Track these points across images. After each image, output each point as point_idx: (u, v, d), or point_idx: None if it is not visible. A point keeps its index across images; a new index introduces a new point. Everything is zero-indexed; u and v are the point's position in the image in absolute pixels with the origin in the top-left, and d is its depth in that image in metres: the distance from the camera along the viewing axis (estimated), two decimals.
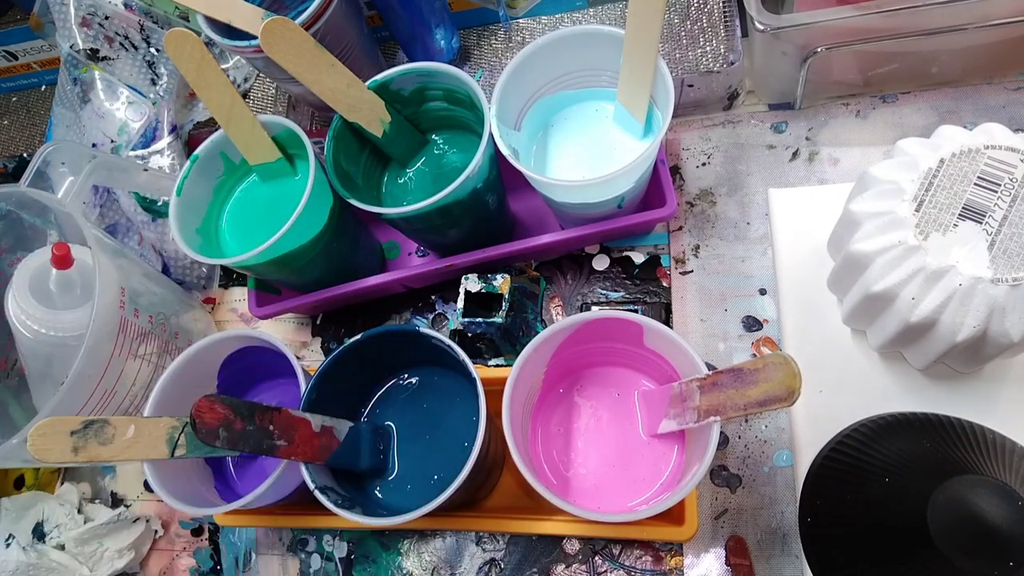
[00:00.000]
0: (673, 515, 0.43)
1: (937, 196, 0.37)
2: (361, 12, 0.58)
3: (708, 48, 0.55)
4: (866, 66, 0.52)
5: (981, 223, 0.36)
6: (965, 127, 0.39)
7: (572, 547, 0.50)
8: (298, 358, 0.47)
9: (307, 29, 0.48)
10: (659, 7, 0.39)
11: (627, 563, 0.48)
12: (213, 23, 0.50)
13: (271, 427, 0.37)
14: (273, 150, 0.50)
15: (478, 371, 0.40)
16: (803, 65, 0.50)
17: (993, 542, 0.30)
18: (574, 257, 0.57)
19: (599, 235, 0.53)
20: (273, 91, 0.66)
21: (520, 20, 0.63)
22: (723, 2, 0.56)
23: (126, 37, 0.63)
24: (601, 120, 0.49)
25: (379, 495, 0.44)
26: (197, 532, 0.58)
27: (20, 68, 0.75)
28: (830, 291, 0.47)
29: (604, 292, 0.55)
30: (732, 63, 0.54)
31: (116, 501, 0.60)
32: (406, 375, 0.48)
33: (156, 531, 0.58)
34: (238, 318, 0.64)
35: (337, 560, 0.54)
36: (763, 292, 0.52)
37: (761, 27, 0.47)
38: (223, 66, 0.66)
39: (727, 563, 0.47)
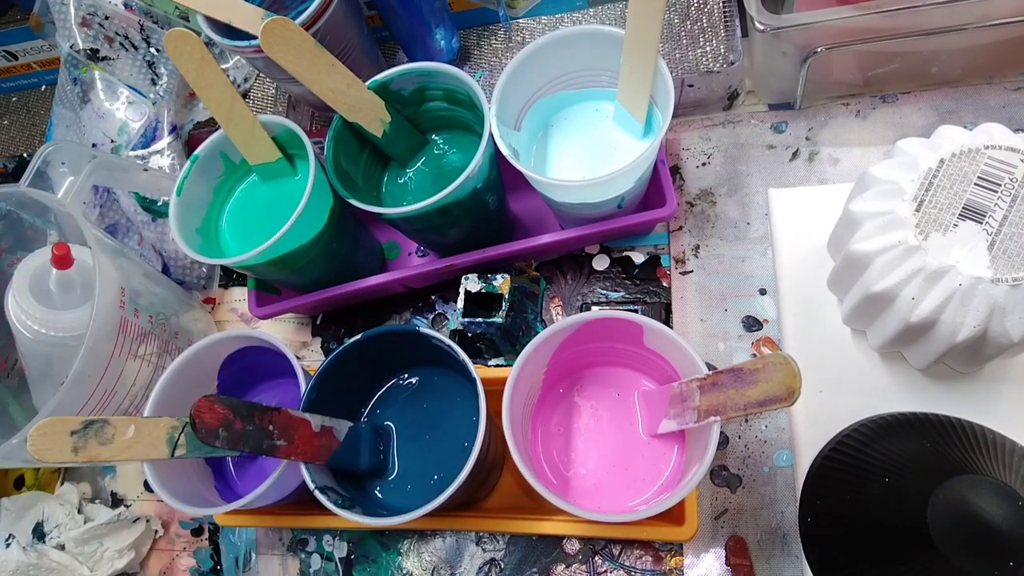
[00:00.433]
0: (673, 515, 0.43)
1: (937, 196, 0.37)
2: (361, 12, 0.58)
3: (708, 48, 0.55)
4: (866, 66, 0.52)
5: (981, 223, 0.36)
6: (965, 127, 0.39)
7: (572, 547, 0.50)
8: (298, 358, 0.47)
9: (307, 29, 0.48)
10: (659, 7, 0.39)
11: (627, 563, 0.48)
12: (213, 23, 0.50)
13: (271, 427, 0.37)
14: (273, 150, 0.50)
15: (478, 371, 0.40)
16: (803, 65, 0.50)
17: (993, 542, 0.30)
18: (574, 257, 0.57)
19: (599, 235, 0.53)
20: (273, 91, 0.66)
21: (520, 20, 0.63)
22: (723, 2, 0.56)
23: (126, 37, 0.63)
24: (601, 120, 0.49)
25: (379, 495, 0.44)
26: (197, 532, 0.58)
27: (20, 68, 0.75)
28: (830, 291, 0.47)
29: (604, 292, 0.55)
30: (732, 63, 0.54)
31: (116, 501, 0.60)
32: (406, 375, 0.48)
33: (156, 531, 0.58)
34: (238, 318, 0.64)
35: (337, 560, 0.54)
36: (763, 292, 0.52)
37: (761, 27, 0.47)
38: (223, 66, 0.66)
39: (727, 563, 0.47)
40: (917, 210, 0.37)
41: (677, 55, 0.56)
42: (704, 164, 0.57)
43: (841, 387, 0.46)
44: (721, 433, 0.40)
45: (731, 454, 0.49)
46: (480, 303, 0.53)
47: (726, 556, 0.47)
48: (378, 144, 0.50)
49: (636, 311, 0.47)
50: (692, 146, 0.57)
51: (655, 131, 0.46)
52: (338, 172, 0.47)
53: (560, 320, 0.43)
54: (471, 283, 0.52)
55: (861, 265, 0.40)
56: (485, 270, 0.52)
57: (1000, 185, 0.37)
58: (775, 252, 0.51)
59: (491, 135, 0.44)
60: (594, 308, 0.55)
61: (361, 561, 0.53)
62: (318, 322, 0.61)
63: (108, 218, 0.62)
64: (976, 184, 0.37)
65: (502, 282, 0.51)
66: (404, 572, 0.52)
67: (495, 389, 0.39)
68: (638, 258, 0.55)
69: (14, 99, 0.78)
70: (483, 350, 0.54)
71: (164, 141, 0.63)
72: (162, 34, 0.64)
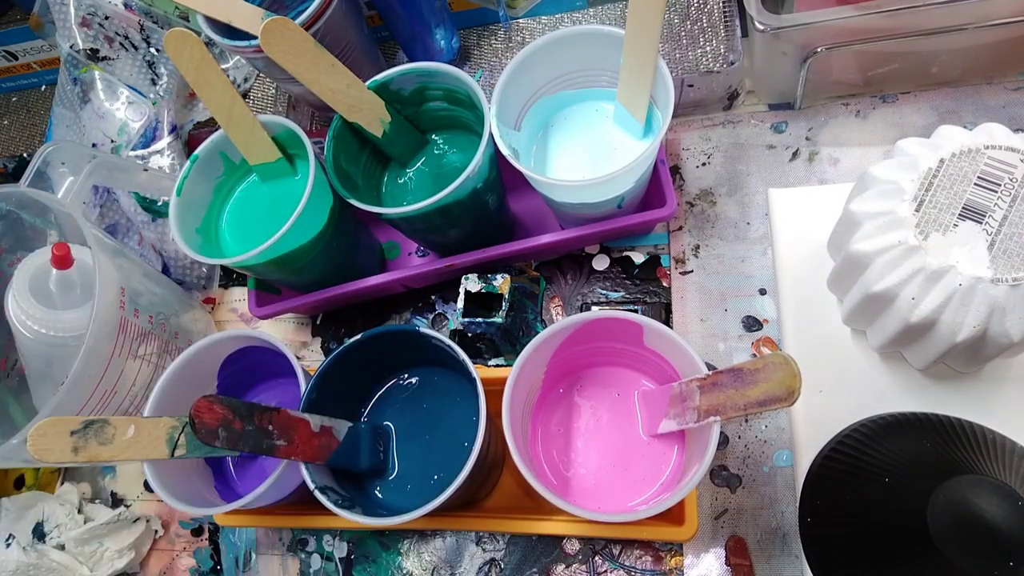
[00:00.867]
0: (673, 515, 0.43)
1: (937, 196, 0.37)
2: (361, 12, 0.58)
3: (708, 48, 0.55)
4: (866, 66, 0.52)
5: (981, 223, 0.36)
6: (965, 127, 0.39)
7: (572, 547, 0.50)
8: (298, 358, 0.47)
9: (307, 29, 0.48)
10: (659, 7, 0.39)
11: (627, 563, 0.48)
12: (213, 23, 0.50)
13: (270, 427, 0.37)
14: (273, 150, 0.50)
15: (478, 371, 0.40)
16: (803, 65, 0.50)
17: (993, 542, 0.30)
18: (574, 257, 0.57)
19: (599, 235, 0.53)
20: (273, 91, 0.66)
21: (520, 20, 0.63)
22: (723, 2, 0.56)
23: (126, 37, 0.63)
24: (601, 120, 0.49)
25: (379, 495, 0.44)
26: (197, 532, 0.58)
27: (20, 68, 0.75)
28: (830, 291, 0.47)
29: (604, 292, 0.55)
30: (732, 63, 0.54)
31: (116, 501, 0.60)
32: (406, 375, 0.48)
33: (156, 531, 0.58)
34: (238, 318, 0.64)
35: (337, 560, 0.54)
36: (763, 292, 0.52)
37: (761, 27, 0.47)
38: (223, 66, 0.66)
39: (727, 563, 0.47)
40: (917, 210, 0.37)
41: (677, 55, 0.56)
42: (704, 164, 0.57)
43: (841, 387, 0.46)
44: (721, 433, 0.40)
45: (731, 454, 0.49)
46: (480, 303, 0.53)
47: (726, 556, 0.47)
48: (378, 144, 0.50)
49: (636, 311, 0.47)
50: (692, 146, 0.57)
51: (655, 131, 0.46)
52: (338, 172, 0.47)
53: (560, 320, 0.43)
54: (471, 283, 0.52)
55: (861, 265, 0.40)
56: (485, 270, 0.52)
57: (1000, 185, 0.37)
58: (775, 252, 0.51)
59: (491, 135, 0.44)
60: (594, 308, 0.55)
61: (361, 561, 0.53)
62: (318, 322, 0.61)
63: (108, 218, 0.62)
64: (976, 184, 0.37)
65: (502, 282, 0.51)
66: (404, 572, 0.52)
67: (495, 389, 0.39)
68: (638, 258, 0.55)
69: (14, 99, 0.78)
70: (483, 350, 0.54)
71: (164, 141, 0.63)
72: (162, 34, 0.64)
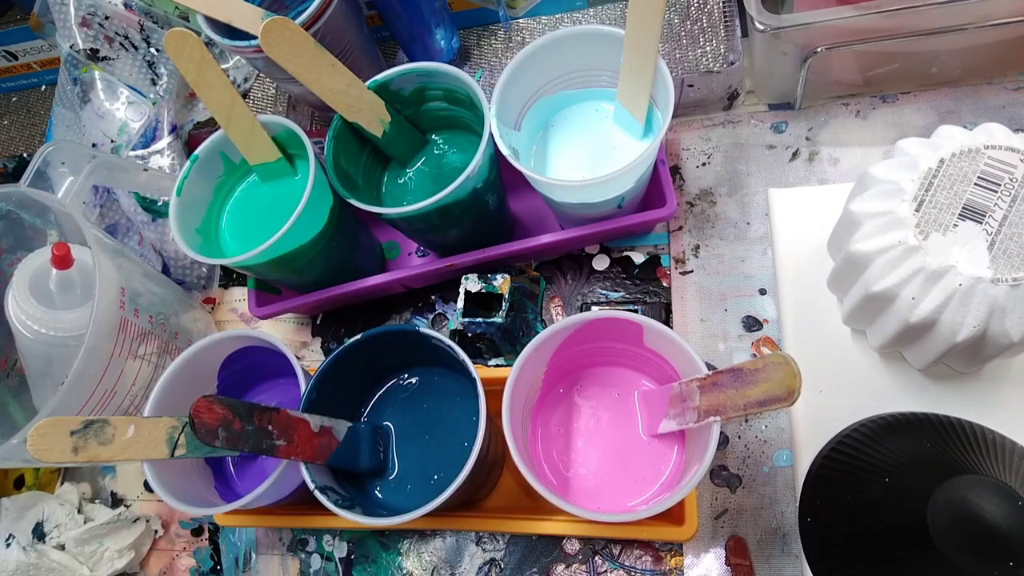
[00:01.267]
0: (673, 515, 0.43)
1: (937, 196, 0.37)
2: (361, 12, 0.58)
3: (708, 48, 0.55)
4: (866, 66, 0.52)
5: (981, 223, 0.36)
6: (965, 127, 0.39)
7: (572, 547, 0.50)
8: (298, 358, 0.47)
9: (307, 29, 0.48)
10: (659, 7, 0.39)
11: (627, 563, 0.48)
12: (213, 23, 0.50)
13: (270, 427, 0.37)
14: (273, 150, 0.50)
15: (478, 371, 0.40)
16: (803, 65, 0.50)
17: (993, 542, 0.30)
18: (574, 257, 0.57)
19: (599, 235, 0.53)
20: (273, 91, 0.66)
21: (520, 20, 0.63)
22: (723, 2, 0.56)
23: (126, 37, 0.63)
24: (601, 120, 0.49)
25: (379, 495, 0.44)
26: (197, 532, 0.58)
27: (20, 68, 0.75)
28: (830, 291, 0.47)
29: (604, 292, 0.55)
30: (732, 63, 0.54)
31: (116, 501, 0.60)
32: (406, 375, 0.48)
33: (156, 531, 0.58)
34: (238, 318, 0.64)
35: (337, 560, 0.54)
36: (763, 292, 0.52)
37: (761, 27, 0.47)
38: (223, 66, 0.66)
39: (727, 563, 0.47)
40: (917, 210, 0.37)
41: (677, 55, 0.56)
42: (704, 164, 0.57)
43: (841, 387, 0.46)
44: (721, 433, 0.40)
45: (731, 454, 0.49)
46: (480, 303, 0.53)
47: (726, 556, 0.47)
48: (378, 144, 0.50)
49: (636, 311, 0.47)
50: (692, 146, 0.57)
51: (655, 131, 0.46)
52: (338, 172, 0.47)
53: (560, 320, 0.43)
54: (471, 283, 0.52)
55: (861, 265, 0.40)
56: (485, 270, 0.52)
57: (1000, 185, 0.37)
58: (775, 252, 0.51)
59: (491, 135, 0.44)
60: (594, 308, 0.55)
61: (361, 561, 0.53)
62: (318, 322, 0.61)
63: (108, 218, 0.62)
64: (976, 184, 0.37)
65: (502, 282, 0.51)
66: (404, 572, 0.52)
67: (495, 389, 0.39)
68: (638, 258, 0.55)
69: (14, 99, 0.78)
70: (483, 350, 0.54)
71: (164, 141, 0.63)
72: (162, 34, 0.64)
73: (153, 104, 0.63)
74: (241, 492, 0.49)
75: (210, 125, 0.66)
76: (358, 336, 0.42)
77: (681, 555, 0.48)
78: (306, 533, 0.55)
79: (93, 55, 0.63)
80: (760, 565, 0.46)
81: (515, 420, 0.38)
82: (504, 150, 0.44)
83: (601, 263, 0.56)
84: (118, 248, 0.52)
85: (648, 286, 0.54)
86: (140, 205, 0.60)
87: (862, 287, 0.40)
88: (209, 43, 0.49)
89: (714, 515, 0.48)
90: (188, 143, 0.66)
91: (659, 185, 0.50)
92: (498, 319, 0.51)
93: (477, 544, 0.52)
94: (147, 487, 0.60)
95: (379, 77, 0.48)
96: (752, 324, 0.51)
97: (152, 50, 0.64)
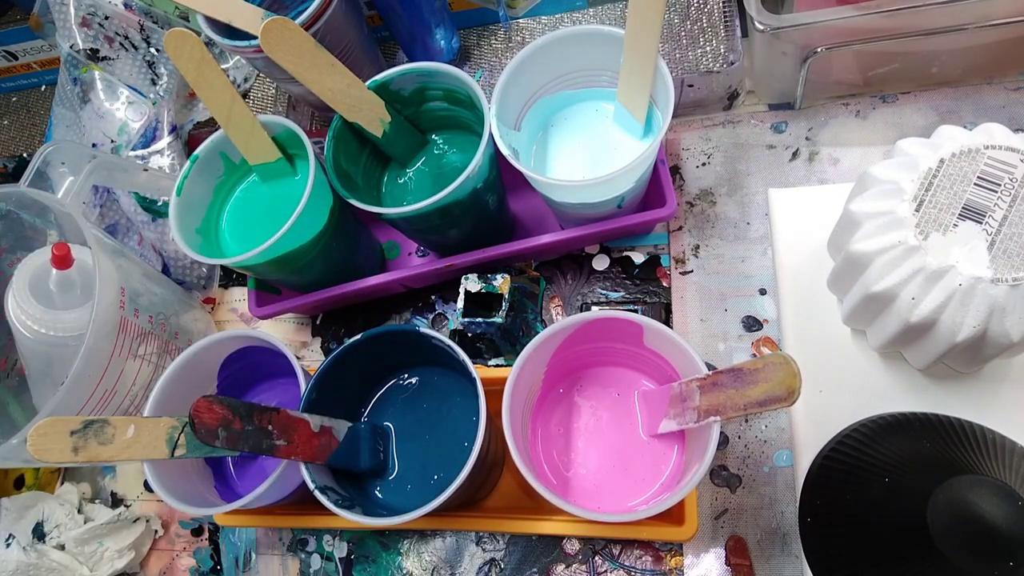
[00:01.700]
0: (673, 515, 0.43)
1: (937, 196, 0.37)
2: (361, 12, 0.58)
3: (708, 48, 0.55)
4: (866, 66, 0.52)
5: (981, 223, 0.36)
6: (965, 127, 0.39)
7: (572, 547, 0.50)
8: (298, 358, 0.47)
9: (307, 29, 0.48)
10: (659, 7, 0.39)
11: (627, 563, 0.48)
12: (213, 23, 0.50)
13: (270, 427, 0.37)
14: (273, 150, 0.50)
15: (478, 371, 0.40)
16: (803, 65, 0.50)
17: (993, 542, 0.30)
18: (574, 257, 0.57)
19: (599, 235, 0.53)
20: (273, 91, 0.66)
21: (520, 20, 0.63)
22: (723, 2, 0.56)
23: (126, 37, 0.63)
24: (601, 120, 0.49)
25: (379, 495, 0.44)
26: (197, 532, 0.58)
27: (20, 68, 0.76)
28: (830, 291, 0.47)
29: (604, 292, 0.55)
30: (732, 63, 0.54)
31: (116, 501, 0.60)
32: (406, 375, 0.48)
33: (156, 531, 0.58)
34: (238, 318, 0.64)
35: (337, 560, 0.54)
36: (763, 292, 0.52)
37: (761, 27, 0.47)
38: (223, 66, 0.66)
39: (727, 563, 0.47)
40: (917, 210, 0.37)
41: (677, 55, 0.56)
42: (704, 164, 0.57)
43: (841, 387, 0.46)
44: (721, 433, 0.40)
45: (731, 454, 0.49)
46: (480, 303, 0.53)
47: (726, 556, 0.47)
48: (378, 144, 0.50)
49: (636, 311, 0.47)
50: (692, 146, 0.57)
51: (655, 131, 0.46)
52: (338, 172, 0.47)
53: (560, 320, 0.43)
54: (471, 283, 0.52)
55: (861, 265, 0.40)
56: (485, 270, 0.52)
57: (1000, 185, 0.37)
58: (775, 252, 0.51)
59: (491, 135, 0.44)
60: (594, 308, 0.55)
61: (361, 561, 0.53)
62: (318, 322, 0.61)
63: (108, 218, 0.62)
64: (976, 184, 0.37)
65: (502, 282, 0.51)
66: (404, 572, 0.52)
67: (495, 389, 0.39)
68: (638, 258, 0.55)
69: (14, 99, 0.78)
70: (483, 350, 0.54)
71: (164, 141, 0.63)
72: (162, 34, 0.64)
73: (153, 104, 0.63)
74: (241, 492, 0.49)
75: (210, 125, 0.66)
76: (358, 336, 0.42)
77: (681, 555, 0.48)
78: (306, 533, 0.55)
79: (93, 55, 0.63)
80: (760, 565, 0.46)
81: (515, 420, 0.38)
82: (504, 150, 0.44)
83: (601, 263, 0.56)
84: (118, 248, 0.52)
85: (648, 286, 0.54)
86: (140, 205, 0.60)
87: (862, 287, 0.40)
88: (209, 43, 0.49)
89: (714, 515, 0.48)
90: (188, 143, 0.66)
91: (659, 185, 0.50)
92: (498, 319, 0.51)
93: (477, 544, 0.52)
94: (147, 487, 0.60)
95: (379, 77, 0.48)
96: (752, 324, 0.51)
97: (152, 50, 0.64)
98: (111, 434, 0.38)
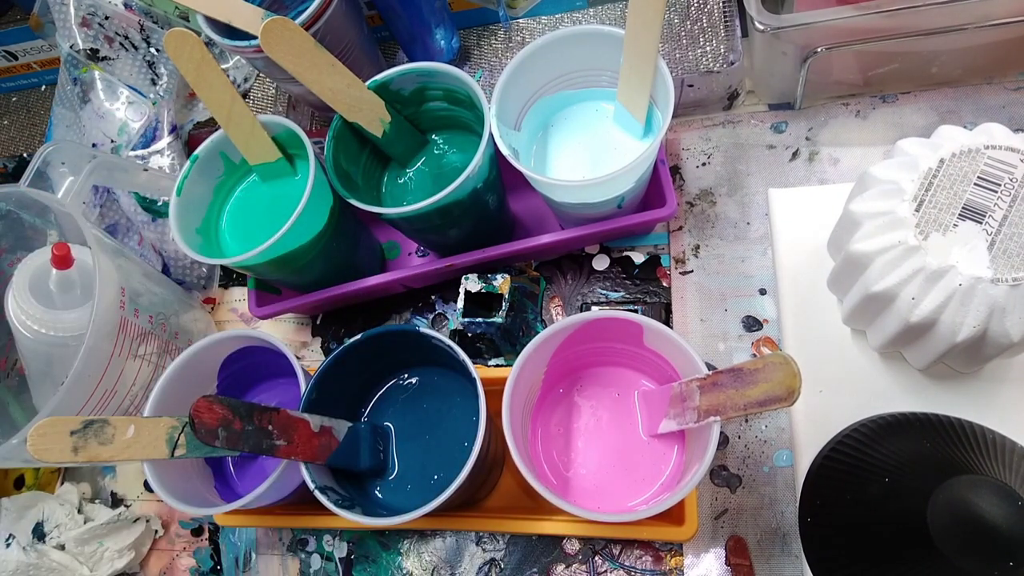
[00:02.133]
0: (673, 515, 0.43)
1: (937, 196, 0.37)
2: (361, 12, 0.58)
3: (708, 48, 0.55)
4: (866, 66, 0.52)
5: (981, 223, 0.36)
6: (965, 127, 0.39)
7: (572, 547, 0.50)
8: (298, 358, 0.47)
9: (307, 29, 0.48)
10: (659, 7, 0.39)
11: (627, 563, 0.48)
12: (213, 23, 0.50)
13: (270, 427, 0.37)
14: (273, 150, 0.50)
15: (478, 371, 0.40)
16: (803, 65, 0.50)
17: (993, 542, 0.30)
18: (574, 257, 0.57)
19: (599, 235, 0.53)
20: (273, 91, 0.66)
21: (520, 20, 0.63)
22: (723, 2, 0.56)
23: (126, 37, 0.63)
24: (601, 120, 0.49)
25: (379, 495, 0.44)
26: (197, 532, 0.58)
27: (20, 68, 0.76)
28: (830, 291, 0.47)
29: (604, 292, 0.55)
30: (732, 63, 0.54)
31: (116, 501, 0.60)
32: (406, 375, 0.48)
33: (156, 531, 0.58)
34: (238, 318, 0.64)
35: (337, 560, 0.54)
36: (763, 292, 0.52)
37: (761, 27, 0.47)
38: (223, 66, 0.66)
39: (727, 563, 0.47)
40: (917, 210, 0.37)
41: (677, 55, 0.56)
42: (704, 164, 0.57)
43: (841, 387, 0.46)
44: (721, 433, 0.40)
45: (731, 454, 0.49)
46: (480, 303, 0.53)
47: (726, 556, 0.47)
48: (378, 144, 0.50)
49: (636, 311, 0.47)
50: (692, 146, 0.57)
51: (655, 131, 0.46)
52: (338, 172, 0.47)
53: (560, 320, 0.43)
54: (471, 283, 0.52)
55: (861, 265, 0.40)
56: (485, 270, 0.52)
57: (1000, 185, 0.37)
58: (775, 252, 0.51)
59: (491, 135, 0.44)
60: (594, 308, 0.55)
61: (361, 561, 0.53)
62: (318, 322, 0.61)
63: (108, 218, 0.62)
64: (976, 184, 0.37)
65: (502, 282, 0.51)
66: (404, 572, 0.52)
67: (495, 389, 0.39)
68: (638, 258, 0.55)
69: (14, 99, 0.78)
70: (483, 350, 0.54)
71: (164, 141, 0.63)
72: (162, 34, 0.64)
73: (153, 104, 0.63)
74: (241, 492, 0.49)
75: (210, 125, 0.66)
76: (358, 336, 0.42)
77: (681, 555, 0.48)
78: (306, 533, 0.55)
79: (93, 55, 0.63)
80: (760, 565, 0.46)
81: (515, 420, 0.38)
82: (504, 150, 0.44)
83: (601, 263, 0.56)
84: (118, 248, 0.52)
85: (648, 286, 0.54)
86: (140, 205, 0.60)
87: (862, 287, 0.40)
88: (209, 43, 0.49)
89: (714, 515, 0.48)
90: (188, 143, 0.66)
91: (659, 185, 0.50)
92: (498, 319, 0.51)
93: (477, 544, 0.52)
94: (147, 487, 0.60)
95: (379, 77, 0.48)
96: (752, 324, 0.51)
97: (152, 50, 0.64)
98: (111, 434, 0.38)
